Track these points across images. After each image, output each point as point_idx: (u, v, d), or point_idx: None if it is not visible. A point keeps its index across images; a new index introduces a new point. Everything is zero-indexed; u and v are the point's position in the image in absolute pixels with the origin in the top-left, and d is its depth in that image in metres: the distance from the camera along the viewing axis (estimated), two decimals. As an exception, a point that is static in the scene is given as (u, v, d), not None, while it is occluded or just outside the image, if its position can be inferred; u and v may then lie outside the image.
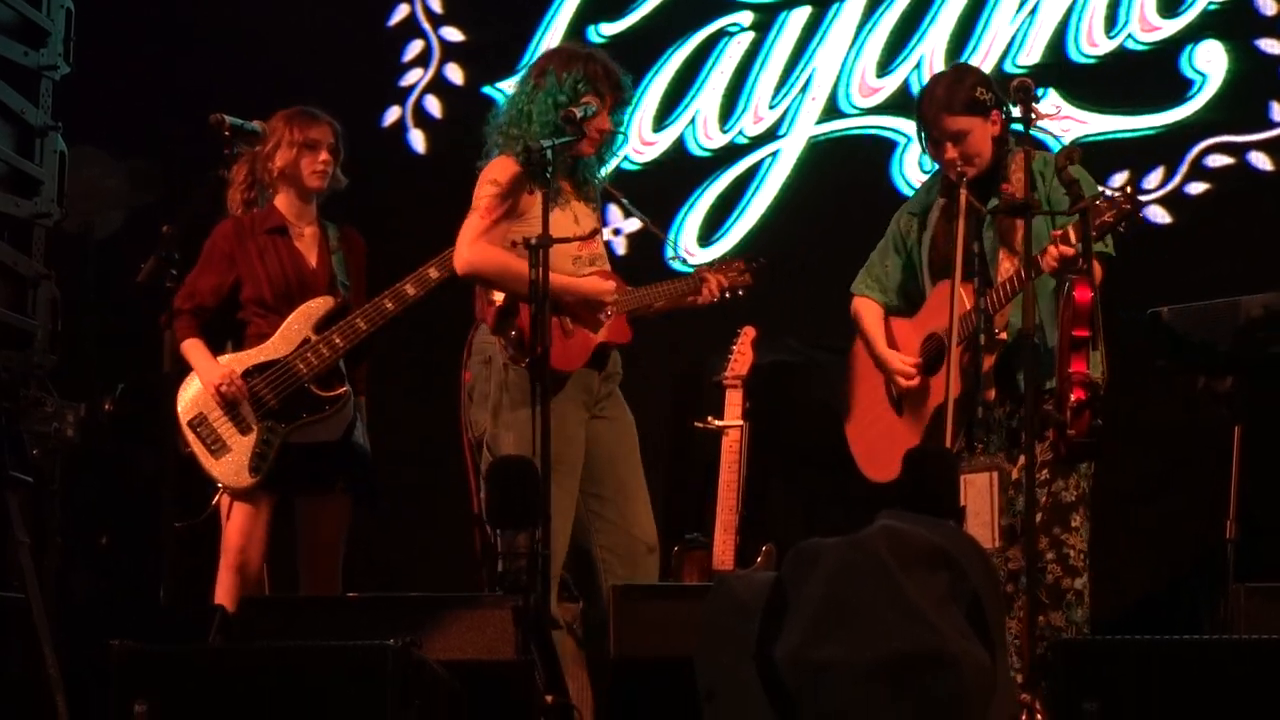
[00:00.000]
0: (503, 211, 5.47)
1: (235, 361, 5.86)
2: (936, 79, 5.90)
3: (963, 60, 7.41)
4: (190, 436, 5.81)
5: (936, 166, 5.81)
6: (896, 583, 2.25)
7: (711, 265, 6.01)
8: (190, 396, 5.85)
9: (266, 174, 5.96)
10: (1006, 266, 5.52)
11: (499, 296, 5.53)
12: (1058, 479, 5.42)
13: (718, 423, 6.49)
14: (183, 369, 5.83)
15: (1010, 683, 2.35)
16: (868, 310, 5.96)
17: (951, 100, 5.61)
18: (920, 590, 2.23)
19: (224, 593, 5.80)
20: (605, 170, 5.86)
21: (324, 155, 5.97)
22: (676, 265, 6.41)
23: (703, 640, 2.42)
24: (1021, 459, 5.10)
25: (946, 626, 2.22)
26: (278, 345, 5.87)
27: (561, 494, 5.32)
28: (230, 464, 5.81)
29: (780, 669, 2.25)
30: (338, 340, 5.85)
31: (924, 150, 5.78)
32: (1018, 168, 5.34)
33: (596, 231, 5.72)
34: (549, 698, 4.75)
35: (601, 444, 5.65)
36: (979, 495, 5.03)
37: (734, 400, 6.55)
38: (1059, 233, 5.27)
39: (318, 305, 5.91)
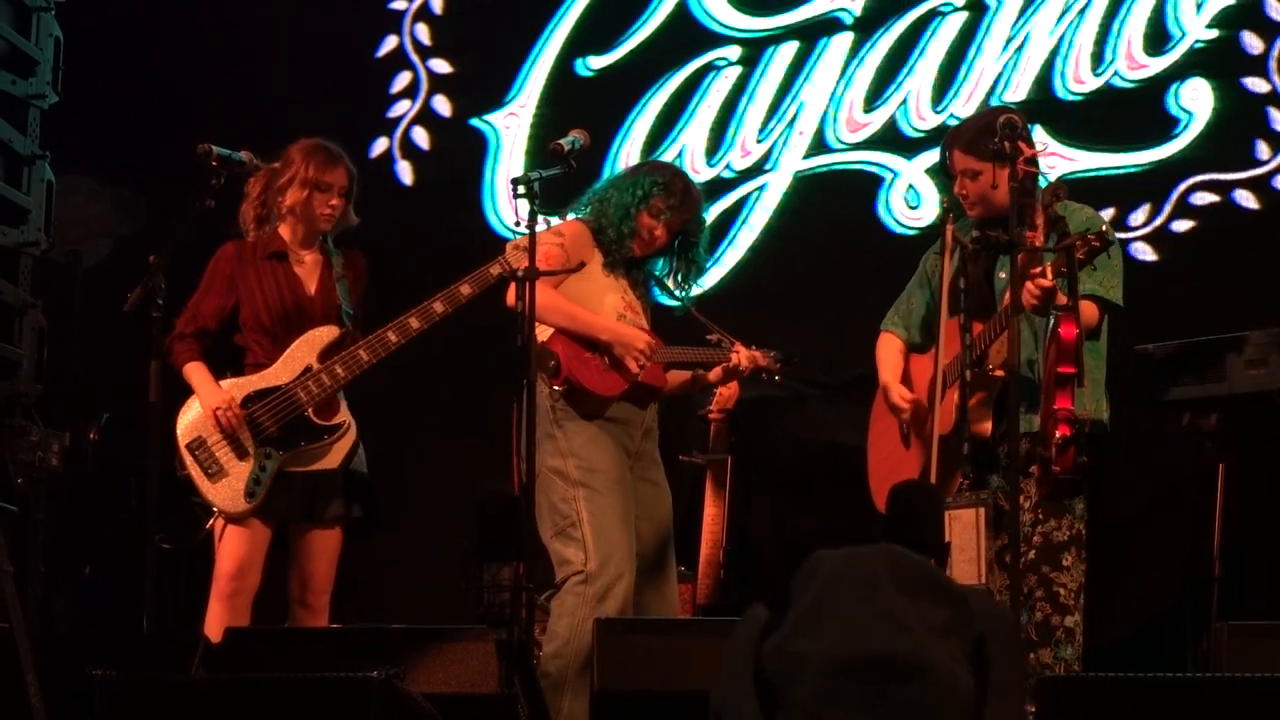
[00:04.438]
0: (559, 262, 5.67)
1: (236, 387, 5.79)
2: (973, 115, 5.89)
3: (950, 96, 7.44)
4: (188, 459, 5.74)
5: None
6: (885, 593, 2.25)
7: (748, 344, 6.08)
8: (190, 420, 5.78)
9: (276, 205, 5.91)
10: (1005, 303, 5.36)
11: (544, 334, 5.61)
12: (1050, 519, 5.37)
13: (703, 456, 6.48)
14: (176, 396, 5.77)
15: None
16: (886, 345, 5.87)
17: (971, 140, 5.50)
18: (910, 609, 2.23)
19: (214, 622, 5.63)
20: (684, 294, 6.07)
21: (335, 200, 5.90)
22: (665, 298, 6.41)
23: (722, 666, 2.42)
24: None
25: (931, 643, 2.22)
26: (279, 372, 5.81)
27: (604, 500, 5.59)
28: (226, 489, 5.72)
29: (763, 661, 2.27)
30: (339, 370, 5.78)
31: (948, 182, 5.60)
32: (1039, 216, 5.27)
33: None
34: (532, 731, 4.75)
35: (643, 506, 5.81)
36: (964, 531, 5.01)
37: (719, 434, 6.54)
38: (1037, 270, 5.23)
39: (323, 334, 5.86)
